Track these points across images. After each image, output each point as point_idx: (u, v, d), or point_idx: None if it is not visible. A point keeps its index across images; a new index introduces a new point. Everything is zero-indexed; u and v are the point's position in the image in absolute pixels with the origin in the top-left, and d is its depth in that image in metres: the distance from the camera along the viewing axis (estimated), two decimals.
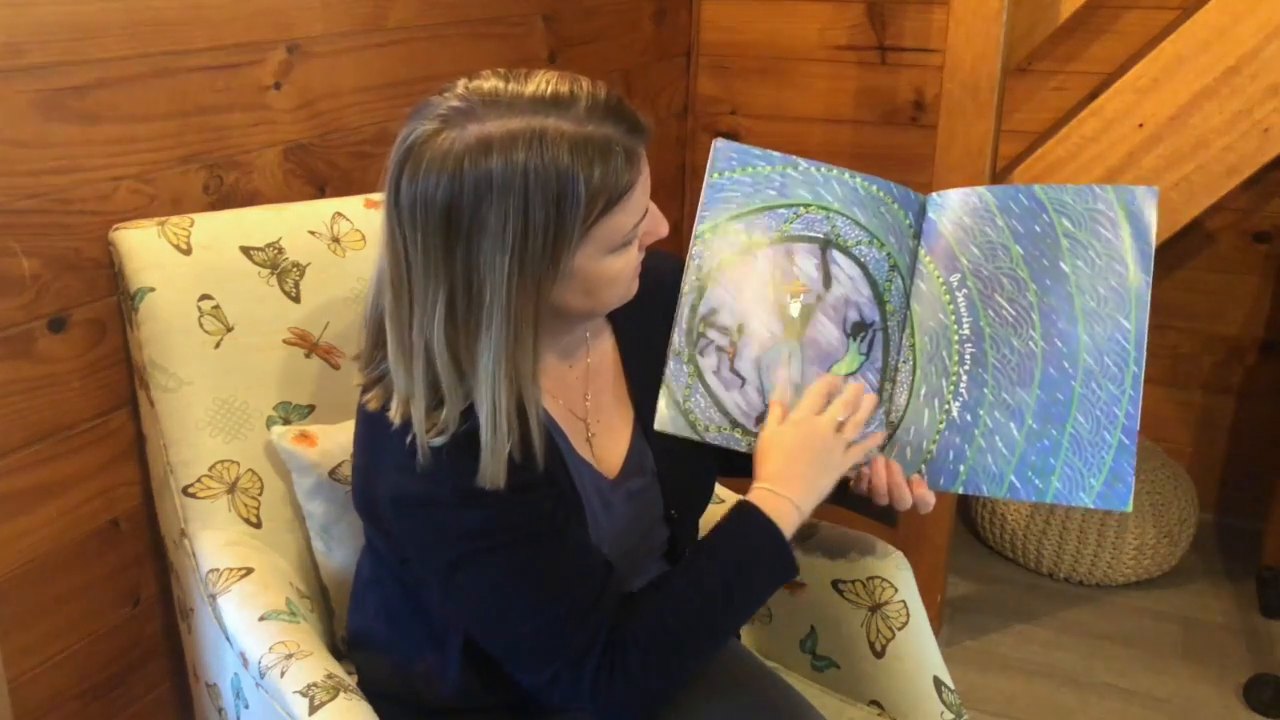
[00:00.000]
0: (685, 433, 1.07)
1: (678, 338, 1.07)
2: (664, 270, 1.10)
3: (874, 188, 1.09)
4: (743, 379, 1.08)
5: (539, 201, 0.85)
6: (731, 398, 1.08)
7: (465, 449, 0.91)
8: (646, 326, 1.10)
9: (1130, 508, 1.06)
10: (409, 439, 0.91)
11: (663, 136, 2.58)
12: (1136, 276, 1.06)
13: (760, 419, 1.08)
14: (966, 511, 2.57)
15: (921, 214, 1.11)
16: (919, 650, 1.22)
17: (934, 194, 1.12)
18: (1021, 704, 2.00)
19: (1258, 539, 2.39)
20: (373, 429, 0.97)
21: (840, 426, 1.04)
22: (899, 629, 1.22)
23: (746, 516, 1.00)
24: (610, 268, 0.93)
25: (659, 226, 0.97)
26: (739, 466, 1.21)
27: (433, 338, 0.89)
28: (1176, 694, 2.03)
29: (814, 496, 1.02)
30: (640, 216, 0.93)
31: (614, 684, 0.93)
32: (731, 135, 2.65)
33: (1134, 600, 2.31)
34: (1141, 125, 1.77)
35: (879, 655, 1.22)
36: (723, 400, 1.08)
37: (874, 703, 1.24)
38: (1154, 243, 1.06)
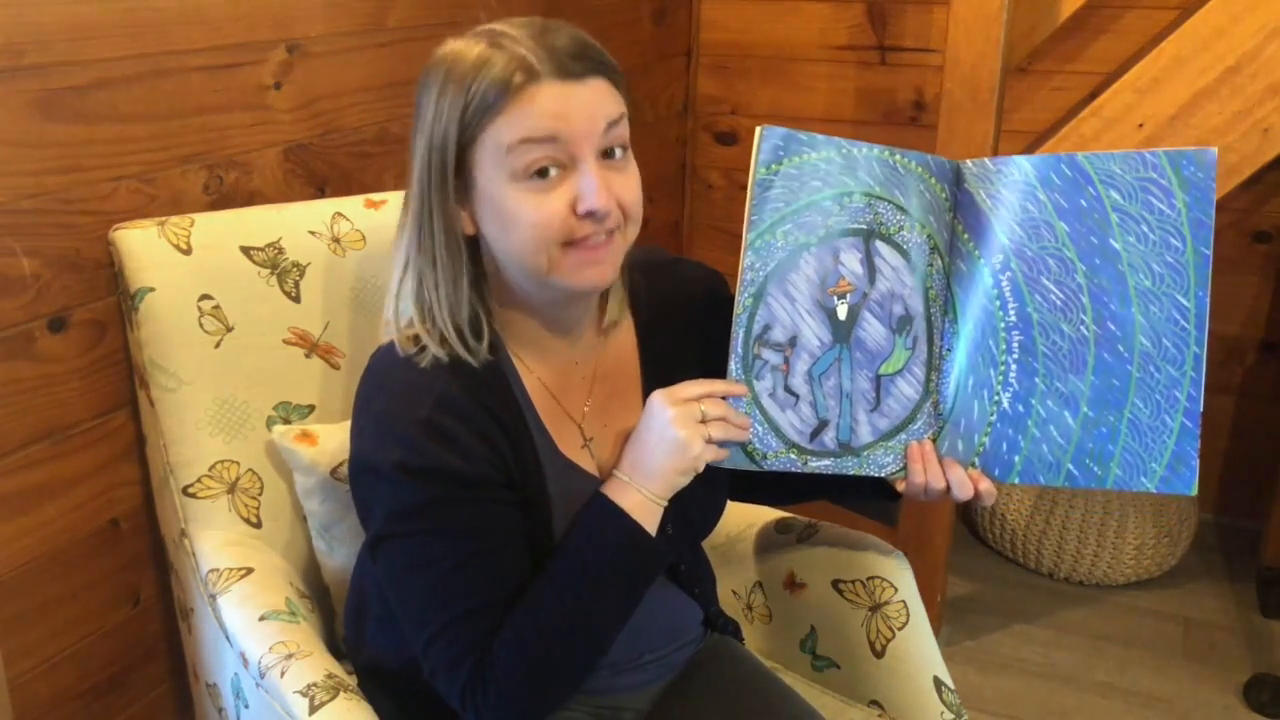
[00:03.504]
0: (743, 465, 1.03)
1: (734, 366, 1.01)
2: (695, 279, 1.09)
3: (912, 163, 1.03)
4: (796, 396, 1.03)
5: (450, 84, 0.91)
6: (786, 418, 1.03)
7: (429, 431, 0.93)
8: (672, 336, 1.09)
9: (1195, 491, 1.01)
10: (379, 407, 0.96)
11: (663, 136, 2.58)
12: (1194, 250, 0.99)
13: (814, 435, 1.04)
14: (966, 511, 2.57)
15: (956, 182, 1.05)
16: (919, 650, 1.22)
17: (968, 161, 1.05)
18: (1021, 704, 2.00)
19: (1258, 539, 2.39)
20: (358, 401, 1.00)
21: (704, 421, 0.98)
22: (899, 629, 1.22)
23: (600, 510, 0.98)
24: (515, 199, 0.92)
25: (586, 194, 0.91)
26: (758, 489, 1.20)
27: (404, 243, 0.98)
28: (1176, 694, 2.03)
29: (667, 487, 0.98)
30: (527, 135, 0.90)
31: (481, 697, 0.94)
32: (731, 135, 2.65)
33: (1134, 600, 2.31)
34: (1141, 125, 1.77)
35: (879, 655, 1.22)
36: (778, 423, 1.03)
37: (874, 703, 1.24)
38: (1213, 211, 0.98)
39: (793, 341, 1.02)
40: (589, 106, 0.91)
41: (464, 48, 0.92)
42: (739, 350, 1.01)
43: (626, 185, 0.95)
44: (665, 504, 0.98)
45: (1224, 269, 2.39)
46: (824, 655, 1.29)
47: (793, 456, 1.04)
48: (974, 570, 2.41)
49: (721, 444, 0.99)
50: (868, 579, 1.25)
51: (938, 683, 1.20)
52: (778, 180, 0.99)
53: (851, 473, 1.06)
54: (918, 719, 1.20)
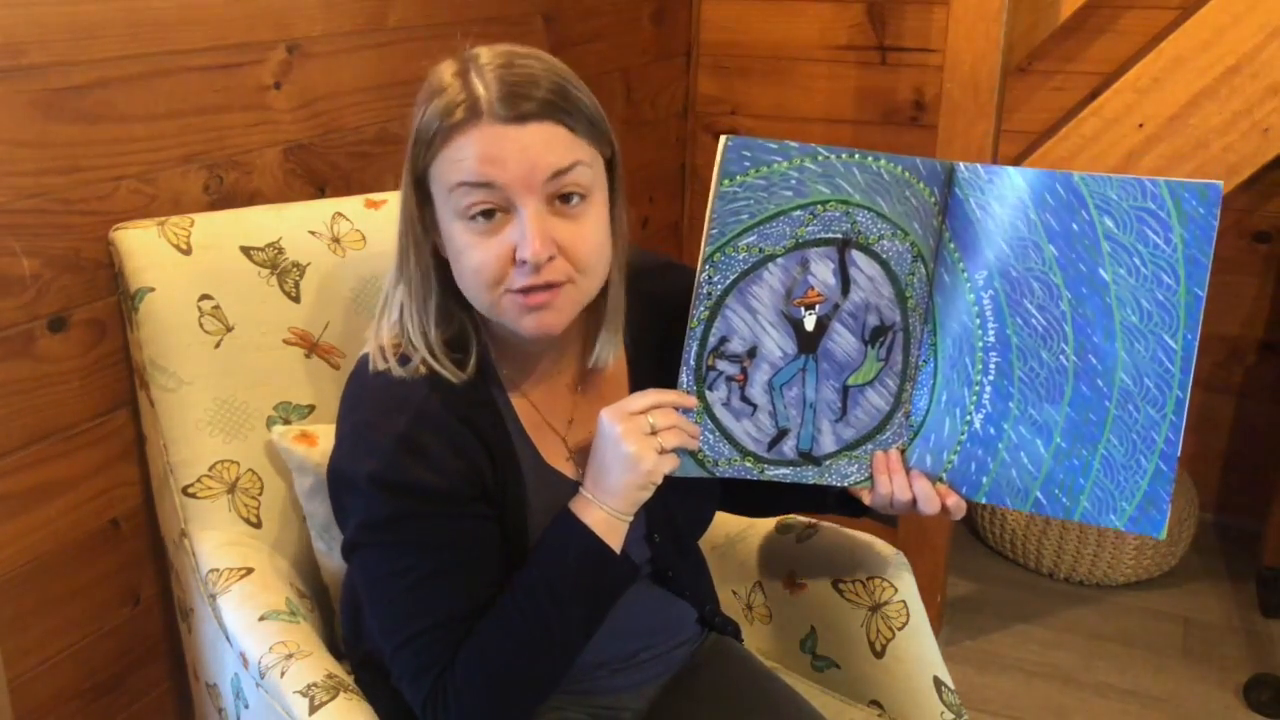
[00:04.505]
0: (694, 472, 1.01)
1: (685, 377, 0.98)
2: (685, 288, 1.08)
3: (898, 168, 0.98)
4: (754, 406, 1.01)
5: (420, 103, 0.92)
6: (742, 427, 1.01)
7: (403, 445, 0.93)
8: (661, 346, 1.06)
9: (1164, 535, 0.99)
10: (358, 417, 0.96)
11: (663, 136, 2.58)
12: (1187, 290, 0.94)
13: (773, 444, 1.03)
14: (967, 512, 2.57)
15: (948, 186, 1.01)
16: (919, 650, 1.22)
17: (961, 165, 1.01)
18: (1021, 704, 2.00)
19: (1258, 539, 2.39)
20: (341, 408, 1.00)
21: (654, 432, 0.96)
22: (899, 629, 1.22)
23: (564, 526, 0.97)
24: (461, 238, 0.91)
25: (519, 243, 0.89)
26: (745, 500, 1.19)
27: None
28: (1176, 694, 2.03)
29: (629, 503, 0.97)
30: (463, 180, 0.89)
31: (443, 709, 0.94)
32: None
33: (1134, 600, 2.31)
34: (1141, 125, 1.77)
35: (879, 655, 1.22)
36: (732, 431, 1.01)
37: (874, 703, 1.24)
38: (1212, 251, 0.93)
39: (752, 353, 1.00)
40: (529, 154, 0.88)
41: (441, 67, 0.93)
42: (690, 363, 0.98)
43: (577, 235, 0.91)
44: (629, 519, 0.97)
45: (1224, 269, 2.40)
46: (824, 655, 1.30)
47: (748, 464, 1.02)
48: (974, 570, 2.41)
49: (675, 451, 0.97)
50: (868, 579, 1.25)
51: (938, 683, 1.20)
52: (742, 192, 0.95)
53: (811, 481, 1.04)
54: (918, 719, 1.20)
